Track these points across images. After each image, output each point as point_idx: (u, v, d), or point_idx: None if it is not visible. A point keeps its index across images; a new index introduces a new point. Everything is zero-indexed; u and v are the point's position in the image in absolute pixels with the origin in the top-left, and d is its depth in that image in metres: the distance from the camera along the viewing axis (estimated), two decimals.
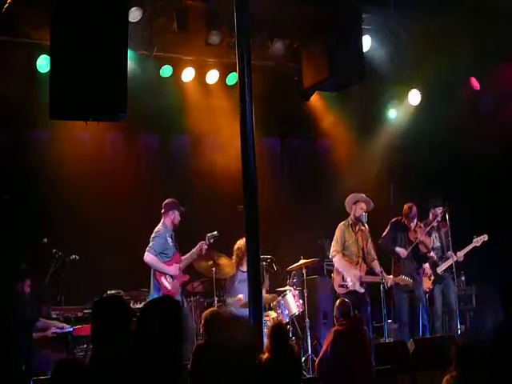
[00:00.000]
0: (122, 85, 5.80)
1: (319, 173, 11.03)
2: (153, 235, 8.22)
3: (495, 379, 3.04)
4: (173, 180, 10.01)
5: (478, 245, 9.29)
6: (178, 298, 8.14)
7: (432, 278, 9.33)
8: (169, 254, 8.24)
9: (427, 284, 9.32)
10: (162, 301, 3.76)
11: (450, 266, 9.20)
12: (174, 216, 8.32)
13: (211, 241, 8.38)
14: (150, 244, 8.15)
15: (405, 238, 9.22)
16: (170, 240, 8.29)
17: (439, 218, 9.32)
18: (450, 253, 9.22)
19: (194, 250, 8.37)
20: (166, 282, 8.14)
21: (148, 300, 6.97)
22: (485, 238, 9.27)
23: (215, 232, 8.37)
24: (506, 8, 8.76)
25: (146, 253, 8.11)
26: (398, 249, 9.16)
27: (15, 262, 7.85)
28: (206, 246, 8.34)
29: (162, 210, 8.35)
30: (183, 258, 8.36)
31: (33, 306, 7.67)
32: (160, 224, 8.32)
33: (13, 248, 8.51)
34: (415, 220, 9.25)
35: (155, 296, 8.07)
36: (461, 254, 9.27)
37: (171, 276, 8.18)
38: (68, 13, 5.67)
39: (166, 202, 8.36)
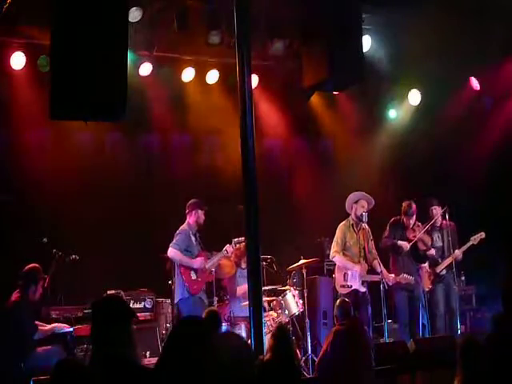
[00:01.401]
0: (122, 85, 5.79)
1: (319, 172, 11.02)
2: (176, 232, 8.36)
3: (496, 378, 3.07)
4: (172, 180, 10.01)
5: (475, 243, 9.27)
6: (202, 295, 8.22)
7: (432, 277, 9.32)
8: (193, 252, 8.34)
9: (427, 284, 9.31)
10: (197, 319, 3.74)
11: (451, 265, 9.19)
12: (197, 215, 8.45)
13: (237, 246, 8.49)
14: (174, 240, 8.28)
15: (403, 236, 9.15)
16: (193, 238, 8.41)
17: (439, 219, 9.32)
18: (456, 251, 9.22)
19: (219, 254, 8.44)
20: (191, 279, 8.19)
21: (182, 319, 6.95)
22: (482, 235, 9.25)
23: (242, 238, 8.38)
24: (506, 8, 8.76)
25: (170, 248, 8.23)
26: (400, 242, 9.08)
27: (14, 262, 7.84)
28: (231, 250, 8.44)
29: (186, 211, 8.49)
30: (208, 261, 8.40)
31: (36, 313, 7.65)
32: (184, 224, 8.46)
33: (13, 248, 8.51)
34: (414, 217, 9.15)
35: (180, 292, 8.19)
36: (459, 252, 9.27)
37: (196, 273, 8.24)
38: (68, 13, 5.66)
39: (189, 202, 8.50)
